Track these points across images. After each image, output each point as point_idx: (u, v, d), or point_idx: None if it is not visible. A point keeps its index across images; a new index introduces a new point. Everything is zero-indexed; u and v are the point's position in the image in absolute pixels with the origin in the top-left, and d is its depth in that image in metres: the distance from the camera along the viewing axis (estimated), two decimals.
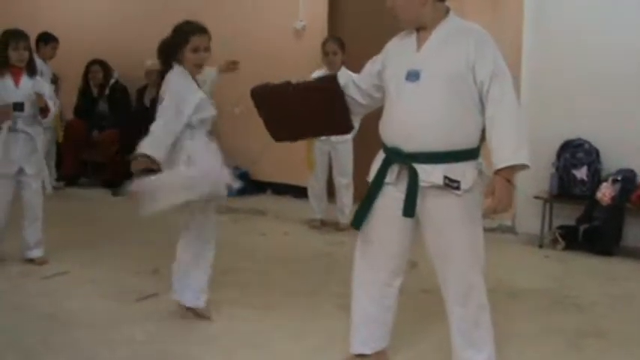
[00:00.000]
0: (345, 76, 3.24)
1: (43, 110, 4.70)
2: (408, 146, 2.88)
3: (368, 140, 6.32)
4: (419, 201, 2.90)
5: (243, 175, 7.50)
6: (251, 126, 7.45)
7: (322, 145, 5.87)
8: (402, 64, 2.93)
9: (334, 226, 6.02)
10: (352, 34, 6.38)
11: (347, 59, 5.81)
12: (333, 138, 5.80)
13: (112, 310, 4.00)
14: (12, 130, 4.62)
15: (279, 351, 3.48)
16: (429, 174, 2.86)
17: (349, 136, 5.89)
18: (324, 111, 3.11)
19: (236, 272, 4.71)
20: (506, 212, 3.03)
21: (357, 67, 5.89)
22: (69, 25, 8.88)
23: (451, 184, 2.84)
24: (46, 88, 4.88)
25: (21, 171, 4.70)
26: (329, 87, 3.14)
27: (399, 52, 3.01)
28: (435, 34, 2.90)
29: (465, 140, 2.85)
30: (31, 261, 4.81)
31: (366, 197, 3.05)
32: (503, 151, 2.77)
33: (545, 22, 5.80)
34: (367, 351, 3.22)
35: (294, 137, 3.36)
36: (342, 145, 5.87)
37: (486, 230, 6.15)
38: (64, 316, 3.90)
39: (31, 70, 4.74)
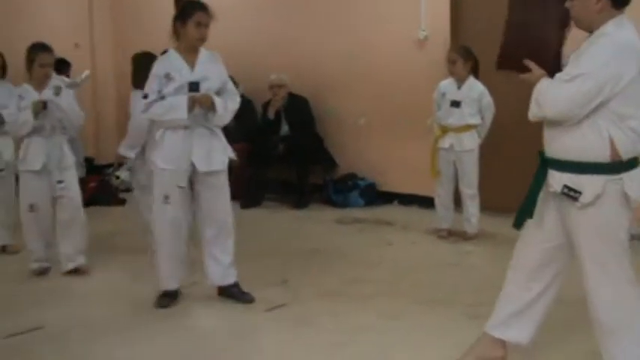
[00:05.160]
0: None
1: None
2: (547, 151, 2.96)
3: (493, 151, 6.22)
4: (558, 208, 2.93)
5: (370, 186, 7.53)
6: (374, 137, 7.56)
7: (447, 154, 5.82)
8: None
9: (461, 236, 5.93)
10: (476, 40, 6.25)
11: (475, 66, 5.80)
12: (458, 147, 5.74)
13: (239, 320, 4.14)
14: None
15: None
16: (555, 180, 2.89)
17: (474, 146, 5.80)
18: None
19: (362, 282, 4.74)
20: None
21: (484, 74, 5.84)
22: None
23: (569, 194, 2.81)
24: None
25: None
26: None
27: None
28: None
29: (589, 153, 2.79)
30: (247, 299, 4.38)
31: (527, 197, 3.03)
32: None
33: None
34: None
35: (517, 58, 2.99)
36: (467, 156, 5.78)
37: None
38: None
39: None
